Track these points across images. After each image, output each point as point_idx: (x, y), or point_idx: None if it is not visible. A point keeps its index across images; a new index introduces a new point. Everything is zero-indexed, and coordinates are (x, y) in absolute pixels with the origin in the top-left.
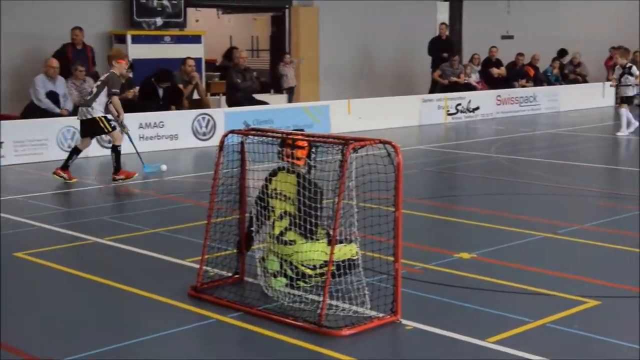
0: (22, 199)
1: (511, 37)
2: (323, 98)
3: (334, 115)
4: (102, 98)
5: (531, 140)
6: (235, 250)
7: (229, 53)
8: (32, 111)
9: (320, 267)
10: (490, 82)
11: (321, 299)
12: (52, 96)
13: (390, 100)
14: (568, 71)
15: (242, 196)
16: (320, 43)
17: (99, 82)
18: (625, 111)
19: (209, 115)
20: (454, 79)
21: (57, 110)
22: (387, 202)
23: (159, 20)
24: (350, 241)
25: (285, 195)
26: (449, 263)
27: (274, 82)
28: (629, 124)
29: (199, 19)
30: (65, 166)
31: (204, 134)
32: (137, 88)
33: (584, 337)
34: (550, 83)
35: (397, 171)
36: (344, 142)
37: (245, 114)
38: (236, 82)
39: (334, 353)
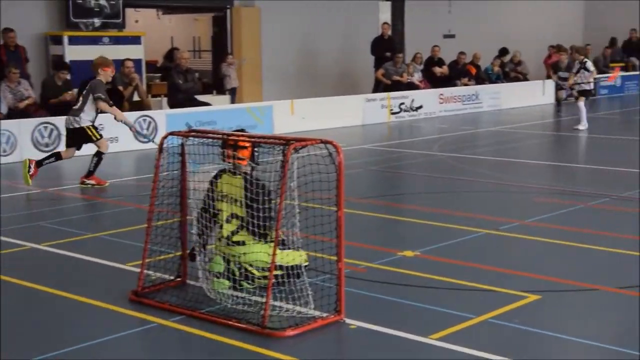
0: None
1: (453, 37)
2: (266, 99)
3: (278, 115)
4: (90, 107)
5: (474, 138)
6: (177, 253)
7: (170, 54)
8: None
9: (268, 270)
10: (432, 81)
11: (264, 300)
12: None
13: (334, 100)
14: (509, 69)
15: (183, 198)
16: (263, 43)
17: (84, 92)
18: (582, 105)
19: (150, 117)
20: (397, 78)
21: None
22: (330, 201)
23: (97, 21)
24: (299, 248)
25: (232, 198)
26: (392, 261)
27: (216, 83)
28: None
29: (138, 19)
30: (40, 163)
31: (145, 136)
32: (75, 90)
33: (525, 332)
34: (491, 81)
35: (339, 171)
36: (285, 143)
37: (187, 115)
38: (178, 83)
39: (277, 354)
